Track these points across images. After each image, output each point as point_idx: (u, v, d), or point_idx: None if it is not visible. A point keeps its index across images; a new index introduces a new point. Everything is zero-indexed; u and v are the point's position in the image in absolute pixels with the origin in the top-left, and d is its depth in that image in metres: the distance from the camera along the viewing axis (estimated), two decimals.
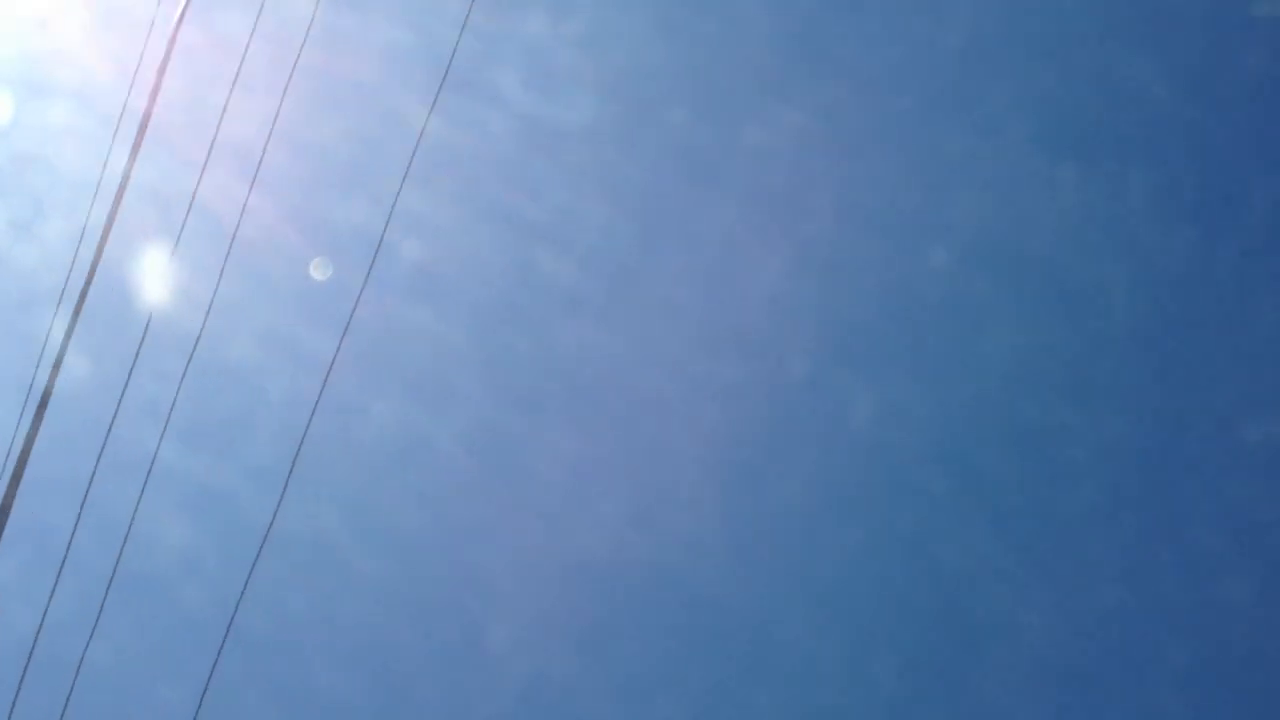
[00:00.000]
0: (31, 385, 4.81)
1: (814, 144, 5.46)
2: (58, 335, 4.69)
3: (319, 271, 4.34)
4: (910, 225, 5.50)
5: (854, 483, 5.37)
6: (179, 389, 4.86)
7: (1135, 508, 5.37)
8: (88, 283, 4.69)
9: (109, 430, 4.69)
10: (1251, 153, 5.61)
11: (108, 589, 4.76)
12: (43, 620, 4.78)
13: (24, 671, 4.80)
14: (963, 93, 5.58)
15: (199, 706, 4.83)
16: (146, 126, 4.79)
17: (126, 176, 4.67)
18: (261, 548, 4.87)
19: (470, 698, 5.12)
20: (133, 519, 4.73)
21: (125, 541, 4.74)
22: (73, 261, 4.81)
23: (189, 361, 4.85)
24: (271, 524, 4.77)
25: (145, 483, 4.74)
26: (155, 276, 4.88)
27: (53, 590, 4.76)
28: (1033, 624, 5.29)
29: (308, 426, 4.92)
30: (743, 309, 5.37)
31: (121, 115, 4.88)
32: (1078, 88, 5.62)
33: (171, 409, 4.84)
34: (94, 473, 4.67)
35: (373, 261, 5.01)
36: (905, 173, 5.54)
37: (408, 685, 5.10)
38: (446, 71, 4.98)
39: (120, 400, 4.77)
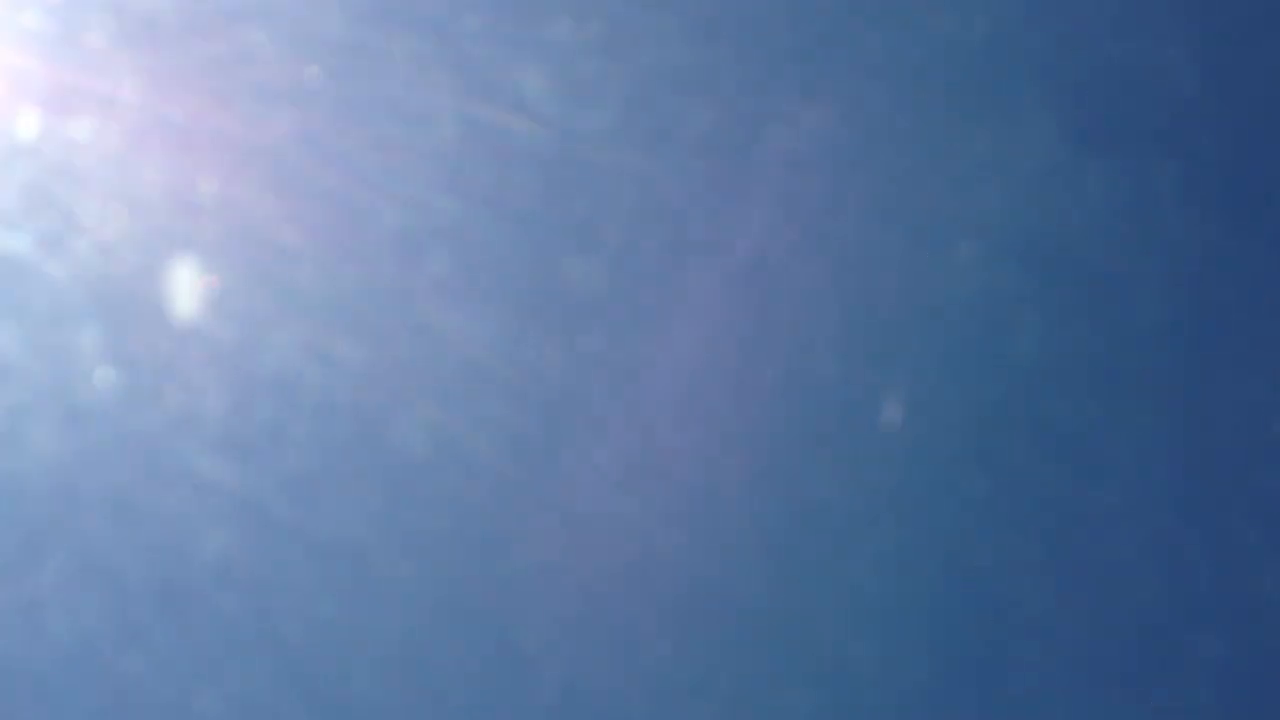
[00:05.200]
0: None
1: (838, 142, 5.46)
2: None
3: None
4: (937, 222, 5.50)
5: (884, 482, 5.38)
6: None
7: (1167, 504, 5.37)
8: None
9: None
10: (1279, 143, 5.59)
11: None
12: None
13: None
14: (986, 86, 5.57)
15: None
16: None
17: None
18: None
19: (504, 702, 5.14)
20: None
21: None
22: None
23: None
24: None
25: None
26: (187, 287, 4.90)
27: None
28: (1064, 622, 5.29)
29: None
30: (770, 309, 5.37)
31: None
32: (1103, 80, 5.61)
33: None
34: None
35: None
36: (931, 169, 5.53)
37: (442, 690, 5.13)
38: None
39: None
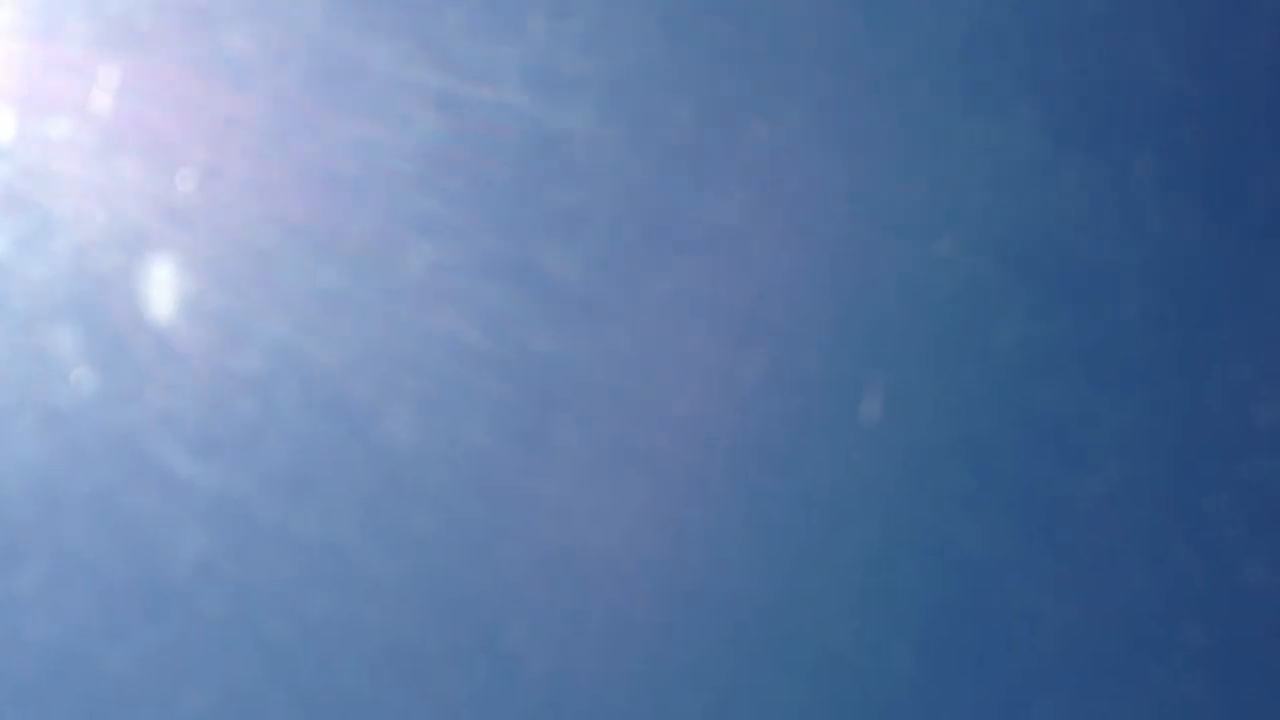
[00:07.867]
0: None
1: (820, 136, 5.45)
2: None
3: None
4: (918, 216, 5.49)
5: (869, 475, 5.37)
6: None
7: (1151, 494, 5.37)
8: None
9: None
10: (1259, 136, 5.60)
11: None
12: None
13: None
14: (968, 80, 5.57)
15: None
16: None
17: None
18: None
19: (492, 698, 5.12)
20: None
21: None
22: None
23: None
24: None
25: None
26: (165, 286, 4.87)
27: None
28: (1051, 612, 5.29)
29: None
30: (753, 305, 5.36)
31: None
32: (1083, 73, 5.61)
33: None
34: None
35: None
36: (912, 163, 5.53)
37: (428, 688, 5.10)
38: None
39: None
